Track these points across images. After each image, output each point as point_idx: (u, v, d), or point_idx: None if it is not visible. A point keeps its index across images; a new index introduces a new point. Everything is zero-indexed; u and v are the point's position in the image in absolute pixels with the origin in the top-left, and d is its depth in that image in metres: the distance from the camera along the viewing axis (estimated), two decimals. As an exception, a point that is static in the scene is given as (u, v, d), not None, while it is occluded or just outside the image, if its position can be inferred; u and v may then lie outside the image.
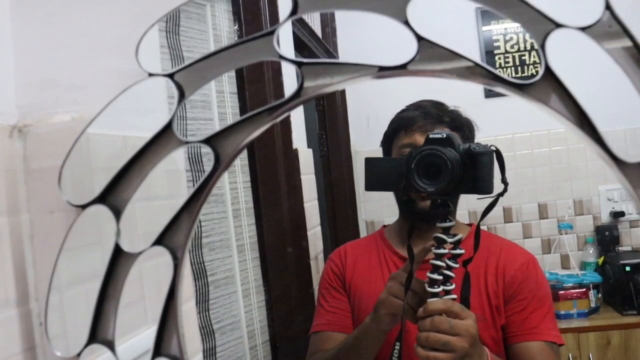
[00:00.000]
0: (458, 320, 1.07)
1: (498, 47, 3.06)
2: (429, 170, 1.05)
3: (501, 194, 1.09)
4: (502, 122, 2.98)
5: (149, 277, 0.76)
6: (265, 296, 1.71)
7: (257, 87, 1.68)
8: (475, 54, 3.07)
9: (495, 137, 2.99)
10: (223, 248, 1.57)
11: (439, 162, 1.04)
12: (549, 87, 0.44)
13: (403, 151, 1.41)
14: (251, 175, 1.68)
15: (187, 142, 0.50)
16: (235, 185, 1.64)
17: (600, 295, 2.83)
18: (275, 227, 1.69)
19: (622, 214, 3.00)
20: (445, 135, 1.08)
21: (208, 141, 0.51)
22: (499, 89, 0.47)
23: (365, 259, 1.53)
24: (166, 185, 0.83)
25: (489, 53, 3.08)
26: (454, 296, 1.10)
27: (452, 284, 1.10)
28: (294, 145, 1.76)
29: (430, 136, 1.09)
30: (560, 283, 2.75)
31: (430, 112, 1.43)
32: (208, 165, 1.46)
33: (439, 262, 1.09)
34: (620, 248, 3.01)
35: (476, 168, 1.07)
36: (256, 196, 1.67)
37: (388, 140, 1.51)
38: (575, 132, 0.45)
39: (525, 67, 3.05)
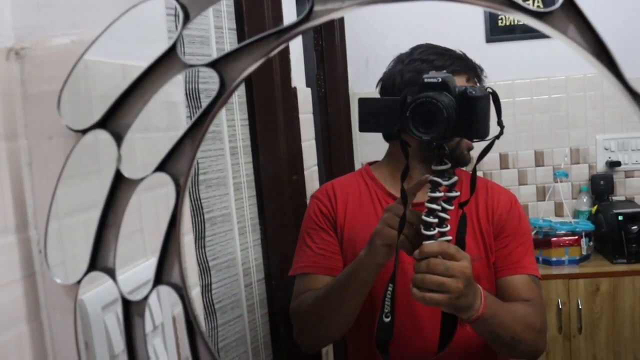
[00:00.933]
0: (453, 262, 1.08)
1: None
2: (424, 118, 1.03)
3: (497, 137, 1.09)
4: (503, 67, 2.95)
5: (147, 209, 0.75)
6: (261, 235, 1.71)
7: (256, 23, 1.65)
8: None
9: (495, 83, 2.95)
10: (220, 185, 1.56)
11: (434, 110, 1.03)
12: (567, 16, 0.42)
13: None
14: (249, 112, 1.66)
15: (191, 66, 0.48)
16: (233, 122, 1.62)
17: (592, 243, 2.86)
18: (271, 166, 1.68)
19: (618, 163, 3.01)
20: (440, 79, 1.06)
21: (213, 65, 0.49)
22: (516, 16, 0.45)
23: (357, 200, 1.50)
24: (165, 117, 0.81)
25: None
26: (449, 238, 1.11)
27: (447, 226, 1.10)
28: (293, 84, 1.73)
29: (426, 80, 1.07)
30: (553, 230, 2.77)
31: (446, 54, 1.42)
32: (206, 102, 1.45)
33: (434, 205, 1.08)
34: (614, 198, 3.03)
35: (472, 112, 1.06)
36: (253, 134, 1.65)
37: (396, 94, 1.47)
38: (592, 62, 0.43)
39: None
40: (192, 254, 0.94)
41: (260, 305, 1.72)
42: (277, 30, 0.47)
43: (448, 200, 1.10)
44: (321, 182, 2.32)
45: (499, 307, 1.24)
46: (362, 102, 1.18)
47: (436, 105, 1.02)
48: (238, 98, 1.63)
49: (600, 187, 3.00)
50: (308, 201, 1.86)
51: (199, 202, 1.48)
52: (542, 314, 1.39)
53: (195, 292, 0.92)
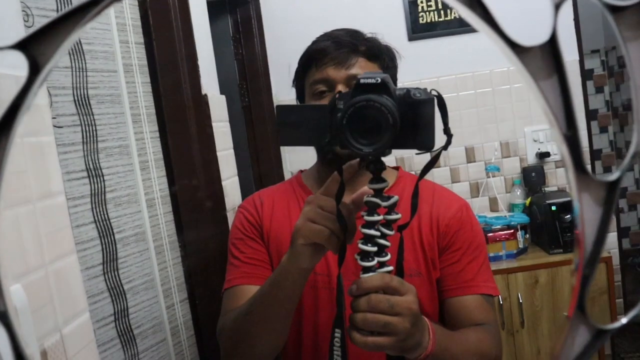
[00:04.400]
0: (398, 297, 0.92)
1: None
2: (365, 126, 0.84)
3: (444, 148, 0.90)
4: (427, 64, 2.93)
5: None
6: (181, 252, 1.62)
7: (164, 35, 1.56)
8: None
9: (420, 80, 2.95)
10: (131, 203, 1.47)
11: (377, 117, 0.84)
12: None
13: (315, 88, 1.28)
14: (159, 124, 1.57)
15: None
16: (142, 135, 1.53)
17: (527, 235, 2.86)
18: (187, 179, 1.59)
19: (547, 154, 3.02)
20: (379, 80, 0.86)
21: (22, 46, 0.40)
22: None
23: (284, 207, 1.37)
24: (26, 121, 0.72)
25: (412, -5, 3.01)
26: (390, 268, 0.94)
27: (387, 254, 0.93)
28: (204, 91, 1.65)
29: (362, 81, 0.87)
30: (488, 225, 2.75)
31: (343, 41, 1.28)
32: (97, 108, 1.35)
33: (372, 231, 0.91)
34: (546, 188, 3.03)
35: (416, 118, 0.87)
36: (165, 146, 1.56)
37: (299, 79, 1.36)
38: (467, 15, 0.37)
39: (448, 10, 3.00)
40: (76, 277, 0.84)
41: (186, 327, 1.62)
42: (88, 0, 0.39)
43: (387, 224, 0.92)
44: (249, 193, 2.24)
45: (449, 340, 1.09)
46: (282, 110, 0.97)
47: (379, 109, 0.83)
48: (146, 109, 1.54)
49: (532, 179, 3.00)
50: (229, 213, 1.77)
51: (108, 223, 1.38)
52: (497, 339, 1.27)
53: (83, 319, 0.83)
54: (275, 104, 2.80)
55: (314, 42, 1.34)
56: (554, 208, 2.72)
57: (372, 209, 0.91)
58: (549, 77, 0.37)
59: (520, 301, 2.62)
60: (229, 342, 1.26)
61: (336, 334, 1.00)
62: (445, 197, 1.36)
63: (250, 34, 2.70)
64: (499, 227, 2.74)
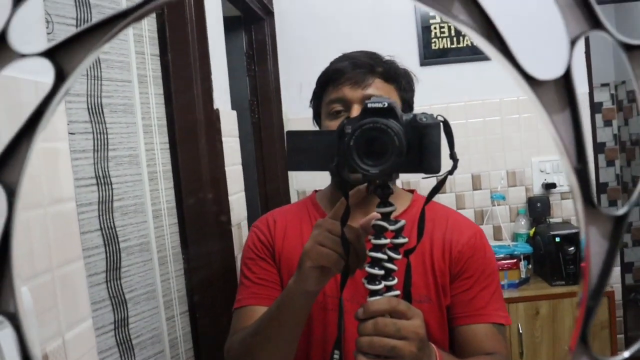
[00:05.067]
0: (404, 320, 0.92)
1: (434, 17, 3.01)
2: (371, 148, 0.86)
3: (450, 172, 0.92)
4: (437, 90, 2.94)
5: None
6: (184, 264, 1.63)
7: (180, 48, 1.58)
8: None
9: (430, 106, 2.95)
10: (137, 213, 1.48)
11: (383, 138, 0.86)
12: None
13: (331, 108, 1.29)
14: (169, 135, 1.58)
15: (24, 55, 0.40)
16: (152, 146, 1.54)
17: (530, 266, 2.84)
18: (194, 192, 1.60)
19: (553, 185, 3.02)
20: (386, 105, 0.88)
21: (50, 54, 0.41)
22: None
23: (297, 227, 1.37)
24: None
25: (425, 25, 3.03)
26: (397, 292, 0.95)
27: (394, 278, 0.94)
28: (216, 106, 1.66)
29: (369, 106, 0.89)
30: (491, 254, 2.74)
31: (361, 62, 1.29)
32: (109, 117, 1.37)
33: (379, 254, 0.92)
34: (551, 219, 3.03)
35: (422, 143, 0.90)
36: (174, 158, 1.58)
37: (317, 99, 1.38)
38: (485, 46, 0.37)
39: (461, 38, 3.02)
40: (82, 284, 0.85)
41: (184, 339, 1.62)
42: (121, 11, 0.40)
43: (395, 248, 0.93)
44: (253, 211, 2.25)
45: None
46: (291, 135, 1.00)
47: (386, 131, 0.85)
48: (158, 121, 1.56)
49: (537, 209, 3.00)
50: (234, 228, 1.78)
51: (114, 231, 1.39)
52: (506, 344, 1.28)
53: (85, 325, 0.83)
54: (284, 121, 2.81)
55: (332, 63, 1.36)
56: (558, 239, 2.72)
57: (379, 232, 0.92)
58: (562, 110, 0.38)
59: (520, 331, 2.61)
60: None
61: (335, 356, 1.01)
62: (459, 223, 1.34)
63: (264, 51, 2.72)
64: (502, 256, 2.73)
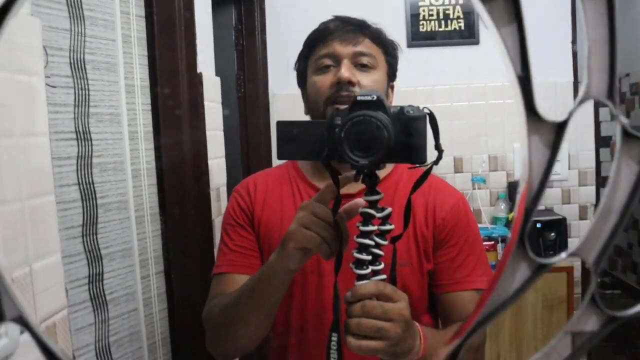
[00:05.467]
0: (390, 303, 0.97)
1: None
2: (361, 139, 0.90)
3: (435, 162, 0.96)
4: (423, 73, 2.96)
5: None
6: (161, 225, 1.64)
7: (166, 10, 1.59)
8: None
9: (415, 88, 2.98)
10: (116, 171, 1.49)
11: (372, 131, 0.90)
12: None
13: (320, 63, 1.30)
14: (151, 96, 1.59)
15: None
16: (134, 106, 1.54)
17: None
18: (174, 153, 1.61)
19: (535, 172, 3.04)
20: (375, 97, 0.92)
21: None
22: None
23: (277, 192, 1.37)
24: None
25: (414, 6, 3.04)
26: (384, 276, 1.00)
27: (380, 263, 0.99)
28: (199, 70, 1.67)
29: (359, 98, 0.93)
30: (470, 236, 2.78)
31: (351, 21, 1.31)
32: (91, 74, 1.37)
33: (367, 240, 0.97)
34: (531, 206, 3.05)
35: (409, 134, 0.93)
36: (155, 119, 1.58)
37: (303, 59, 1.38)
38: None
39: (449, 21, 3.03)
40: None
41: (159, 299, 1.63)
42: None
43: (381, 234, 0.98)
44: (235, 178, 2.25)
45: (439, 341, 1.12)
46: (281, 125, 1.03)
47: (375, 124, 0.90)
48: (141, 81, 1.56)
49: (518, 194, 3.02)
50: (212, 192, 1.79)
51: (92, 187, 1.40)
52: (483, 333, 1.31)
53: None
54: (270, 97, 2.82)
55: (321, 23, 1.36)
56: (538, 225, 2.75)
57: (367, 219, 0.97)
58: (509, 24, 0.39)
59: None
60: (214, 330, 1.29)
61: (333, 338, 1.03)
62: (442, 190, 1.35)
63: (253, 26, 2.72)
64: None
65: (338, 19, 1.34)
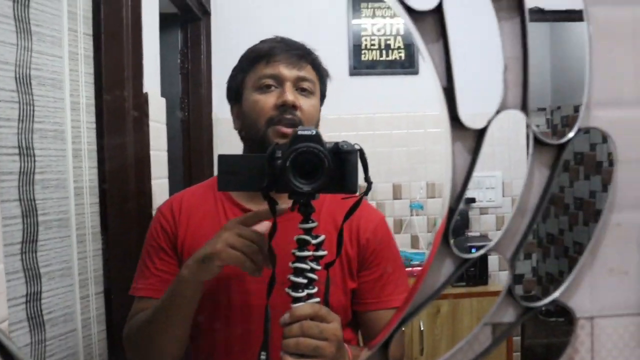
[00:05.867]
0: (325, 324, 1.03)
1: (365, 29, 3.12)
2: (304, 169, 1.00)
3: (365, 193, 1.07)
4: (364, 101, 3.04)
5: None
6: (103, 245, 1.62)
7: (114, 30, 1.60)
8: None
9: (356, 115, 3.05)
10: (59, 188, 1.48)
11: (314, 161, 1.00)
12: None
13: (263, 82, 1.31)
14: (97, 115, 1.59)
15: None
16: (79, 123, 1.54)
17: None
18: (118, 172, 1.61)
19: (473, 200, 3.14)
20: (314, 132, 1.02)
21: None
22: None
23: (202, 211, 1.37)
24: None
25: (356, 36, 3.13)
26: (318, 299, 1.06)
27: (314, 287, 1.06)
28: (145, 89, 1.69)
29: (299, 133, 1.02)
30: (407, 260, 2.84)
31: (296, 45, 1.34)
32: (37, 89, 1.38)
33: (303, 265, 1.04)
34: (470, 233, 3.15)
35: (343, 166, 1.03)
36: (100, 137, 1.58)
37: (240, 75, 1.38)
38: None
39: (390, 51, 3.13)
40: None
41: (98, 320, 1.61)
42: None
43: (315, 260, 1.06)
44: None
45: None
46: (223, 159, 1.10)
47: (318, 155, 1.00)
48: (86, 99, 1.57)
49: (456, 222, 3.10)
50: (154, 212, 1.79)
51: (33, 203, 1.39)
52: (402, 344, 1.38)
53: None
54: (213, 121, 2.84)
55: (263, 41, 1.37)
56: (473, 250, 2.83)
57: (302, 245, 1.05)
58: (436, 40, 0.44)
59: (422, 329, 2.72)
60: (134, 348, 1.33)
61: (262, 357, 1.08)
62: (365, 210, 1.37)
63: (198, 50, 2.75)
64: (417, 262, 2.83)
65: (282, 40, 1.36)
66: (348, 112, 2.94)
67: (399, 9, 0.42)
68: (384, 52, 3.11)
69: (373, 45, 3.10)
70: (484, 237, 3.15)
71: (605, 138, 0.48)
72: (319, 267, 1.06)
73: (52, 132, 1.45)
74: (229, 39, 3.00)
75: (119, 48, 1.61)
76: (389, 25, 3.12)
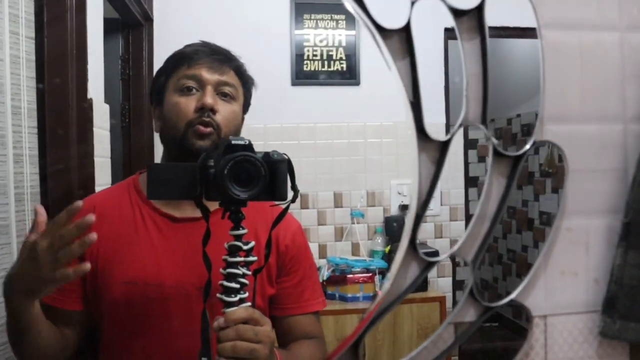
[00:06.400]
0: (259, 327, 1.06)
1: (308, 40, 3.16)
2: (240, 177, 1.02)
3: (292, 200, 1.11)
4: (306, 110, 3.08)
5: None
6: (44, 252, 1.59)
7: (57, 33, 1.58)
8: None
9: (297, 124, 3.08)
10: (-1, 194, 1.44)
11: (250, 169, 1.02)
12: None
13: (184, 83, 1.31)
14: (39, 120, 1.56)
15: None
16: (20, 129, 1.51)
17: (384, 280, 3.01)
18: (60, 178, 1.58)
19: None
20: (247, 142, 1.06)
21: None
22: None
23: (116, 217, 1.32)
24: None
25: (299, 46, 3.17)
26: (249, 303, 1.08)
27: (245, 292, 1.07)
28: (89, 95, 1.67)
29: (233, 142, 1.05)
30: (349, 268, 2.88)
31: (220, 50, 1.36)
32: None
33: (235, 270, 1.06)
34: (406, 240, 3.20)
35: (274, 175, 1.06)
36: (42, 143, 1.56)
37: (162, 77, 1.39)
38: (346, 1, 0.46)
39: (332, 62, 3.18)
40: None
41: (39, 328, 1.58)
42: None
43: (246, 265, 1.08)
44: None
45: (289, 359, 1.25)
46: (153, 169, 1.09)
47: (254, 163, 1.03)
48: (28, 104, 1.54)
49: (394, 229, 3.17)
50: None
51: (-29, 209, 1.35)
52: (324, 349, 1.40)
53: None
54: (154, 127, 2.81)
55: (187, 46, 1.39)
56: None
57: (234, 252, 1.07)
58: (403, 58, 0.47)
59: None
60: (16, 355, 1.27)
61: None
62: (284, 219, 1.36)
63: (140, 57, 2.73)
64: (358, 270, 2.88)
65: (206, 45, 1.38)
66: (290, 121, 2.98)
67: (370, 26, 0.45)
68: (326, 62, 3.15)
69: (315, 55, 3.14)
70: (423, 244, 3.22)
71: (537, 150, 0.51)
72: (249, 272, 1.08)
73: (-8, 137, 1.41)
74: (171, 46, 2.96)
75: (63, 52, 1.59)
76: (332, 36, 3.17)
